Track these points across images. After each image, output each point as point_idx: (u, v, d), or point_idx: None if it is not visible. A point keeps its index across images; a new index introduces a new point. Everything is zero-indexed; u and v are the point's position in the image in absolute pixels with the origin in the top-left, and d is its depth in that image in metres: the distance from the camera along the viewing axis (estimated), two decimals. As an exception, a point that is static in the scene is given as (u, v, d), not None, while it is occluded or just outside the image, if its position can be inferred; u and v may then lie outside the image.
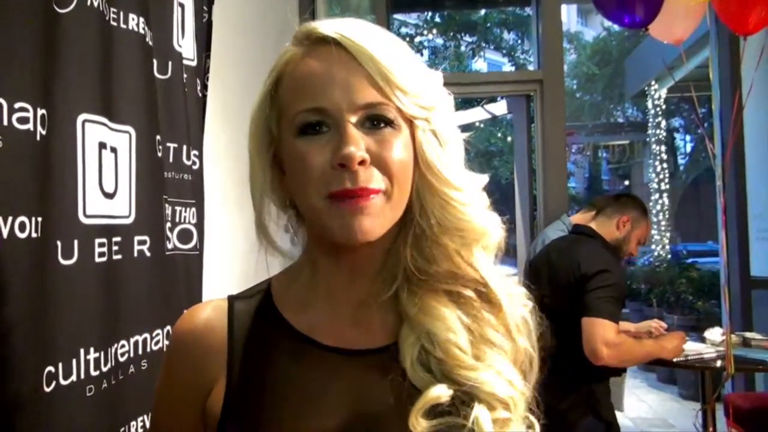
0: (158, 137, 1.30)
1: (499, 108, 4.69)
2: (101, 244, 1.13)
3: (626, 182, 15.34)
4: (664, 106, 10.56)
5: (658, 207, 10.11)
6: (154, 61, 1.31)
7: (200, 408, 0.70)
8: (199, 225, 1.52)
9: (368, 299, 0.70)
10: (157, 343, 1.29)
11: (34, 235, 0.97)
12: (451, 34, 12.72)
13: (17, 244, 0.94)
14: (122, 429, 1.18)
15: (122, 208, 1.20)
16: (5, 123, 0.93)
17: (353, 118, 0.64)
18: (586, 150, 15.40)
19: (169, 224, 1.38)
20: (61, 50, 1.03)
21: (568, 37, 15.84)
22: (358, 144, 0.63)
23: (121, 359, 1.18)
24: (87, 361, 1.08)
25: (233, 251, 1.98)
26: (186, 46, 1.48)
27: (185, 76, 1.46)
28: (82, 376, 1.06)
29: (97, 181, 1.13)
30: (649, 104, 10.55)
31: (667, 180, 10.42)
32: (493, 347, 0.68)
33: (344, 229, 0.63)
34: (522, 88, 4.12)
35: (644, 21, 2.69)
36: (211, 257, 1.66)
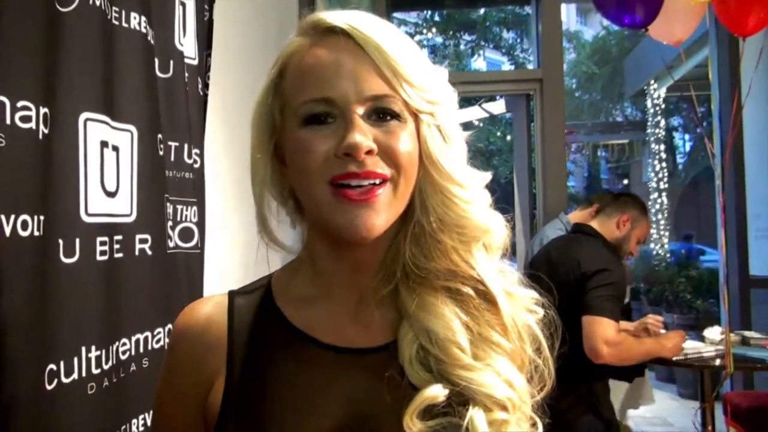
0: (160, 136, 1.30)
1: (497, 107, 4.70)
2: (103, 243, 1.13)
3: (625, 181, 15.34)
4: (663, 106, 10.56)
5: (657, 206, 10.11)
6: (156, 60, 1.31)
7: (201, 403, 0.70)
8: (200, 223, 1.52)
9: (368, 296, 0.70)
10: (158, 341, 1.30)
11: (36, 233, 0.97)
12: (451, 32, 12.72)
13: (19, 243, 0.94)
14: (123, 427, 1.18)
15: (124, 207, 1.20)
16: (8, 122, 0.93)
17: (360, 109, 0.63)
18: (585, 149, 15.41)
19: (170, 223, 1.38)
20: (63, 49, 1.03)
21: (568, 36, 15.83)
22: (366, 134, 0.63)
23: (123, 357, 1.19)
24: (88, 359, 1.08)
25: (234, 249, 1.98)
26: (187, 44, 1.48)
27: (186, 74, 1.46)
28: (84, 374, 1.06)
29: (99, 179, 1.13)
30: (648, 103, 10.55)
31: (666, 179, 10.42)
32: (492, 346, 0.68)
33: (350, 225, 0.63)
34: (522, 87, 4.13)
35: (644, 22, 2.70)
36: (212, 255, 1.67)
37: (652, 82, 10.16)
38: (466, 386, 0.65)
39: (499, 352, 0.68)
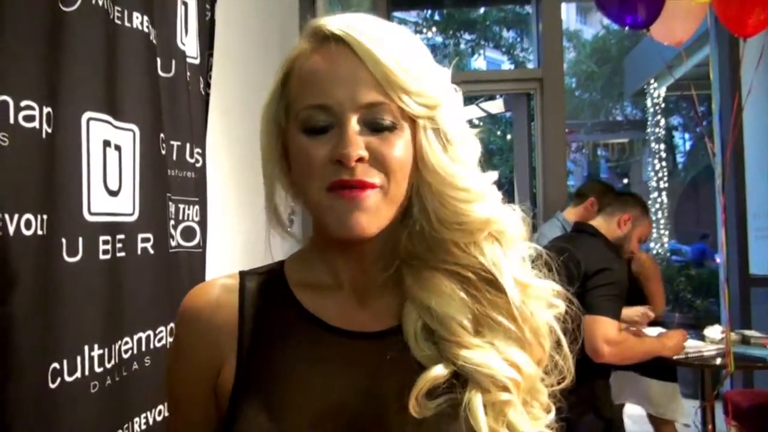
0: (162, 135, 1.31)
1: (495, 106, 4.70)
2: (105, 242, 1.13)
3: (625, 180, 15.34)
4: (663, 105, 10.56)
5: (657, 205, 10.11)
6: (158, 60, 1.32)
7: (211, 384, 0.71)
8: (202, 222, 1.52)
9: (373, 283, 0.72)
10: (160, 340, 1.30)
11: (39, 232, 0.98)
12: (451, 32, 12.71)
13: (23, 242, 0.95)
14: (126, 425, 1.18)
15: (126, 206, 1.20)
16: (11, 121, 0.93)
17: (355, 117, 0.65)
18: (585, 148, 15.41)
19: (172, 222, 1.39)
20: (66, 48, 1.04)
21: (568, 35, 15.82)
22: (357, 142, 0.64)
23: (125, 356, 1.19)
24: (91, 358, 1.08)
25: (235, 248, 1.98)
26: (189, 44, 1.48)
27: (188, 74, 1.46)
28: (87, 373, 1.07)
29: (102, 178, 1.13)
30: (648, 102, 10.55)
31: (665, 178, 10.42)
32: (495, 327, 0.68)
33: (341, 224, 0.65)
34: (522, 87, 4.13)
35: (646, 22, 2.70)
36: (214, 254, 1.67)
37: (652, 81, 10.16)
38: (465, 365, 0.66)
39: (501, 331, 0.68)
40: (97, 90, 1.11)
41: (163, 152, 1.32)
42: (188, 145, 1.46)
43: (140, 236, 1.24)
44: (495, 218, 0.69)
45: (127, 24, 1.20)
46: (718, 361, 2.69)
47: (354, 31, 0.66)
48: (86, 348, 1.07)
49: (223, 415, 0.70)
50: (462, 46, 12.93)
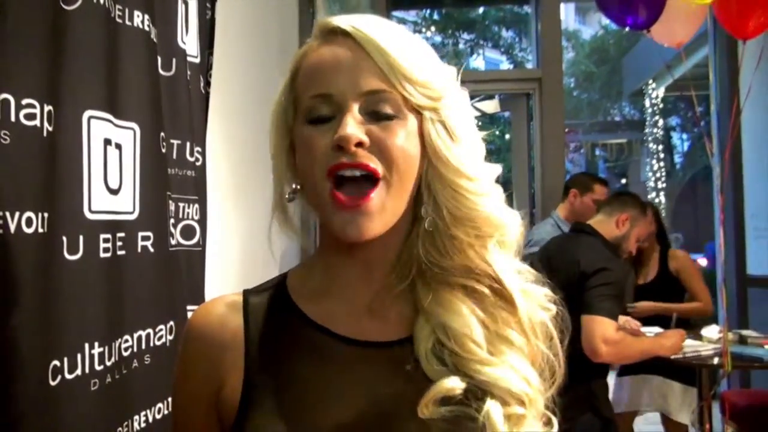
0: (162, 134, 1.31)
1: (490, 106, 4.70)
2: (106, 240, 1.13)
3: (623, 180, 15.36)
4: (661, 105, 10.58)
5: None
6: (159, 58, 1.32)
7: (214, 401, 0.71)
8: (202, 221, 1.53)
9: (383, 292, 0.71)
10: (160, 338, 1.30)
11: (40, 230, 0.98)
12: (450, 31, 12.71)
13: (24, 240, 0.95)
14: (126, 423, 1.18)
15: (126, 204, 1.20)
16: (13, 119, 0.93)
17: (356, 104, 0.65)
18: (584, 148, 15.43)
19: (172, 220, 1.39)
20: (68, 47, 1.04)
21: (566, 35, 15.82)
22: (357, 127, 0.64)
23: (125, 354, 1.19)
24: (91, 356, 1.08)
25: (235, 247, 1.99)
26: (190, 43, 1.49)
27: (189, 72, 1.46)
28: (87, 371, 1.07)
29: (102, 177, 1.14)
30: (647, 103, 10.58)
31: (663, 179, 10.44)
32: (508, 344, 0.68)
33: (344, 229, 0.65)
34: (521, 87, 4.13)
35: (646, 23, 2.70)
36: (214, 253, 1.67)
37: (651, 81, 10.18)
38: (484, 379, 0.66)
39: (514, 350, 0.69)
40: (97, 89, 1.11)
41: (164, 151, 1.32)
42: (188, 144, 1.46)
43: (140, 234, 1.24)
44: (504, 222, 0.70)
45: (127, 23, 1.20)
46: (716, 360, 2.70)
47: (360, 25, 0.67)
48: (87, 346, 1.07)
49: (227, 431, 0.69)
50: (461, 45, 12.93)
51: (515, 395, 0.66)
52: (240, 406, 0.68)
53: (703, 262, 8.39)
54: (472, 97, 0.76)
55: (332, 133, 0.65)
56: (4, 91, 0.92)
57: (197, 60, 1.52)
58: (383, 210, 0.65)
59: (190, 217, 1.48)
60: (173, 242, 1.39)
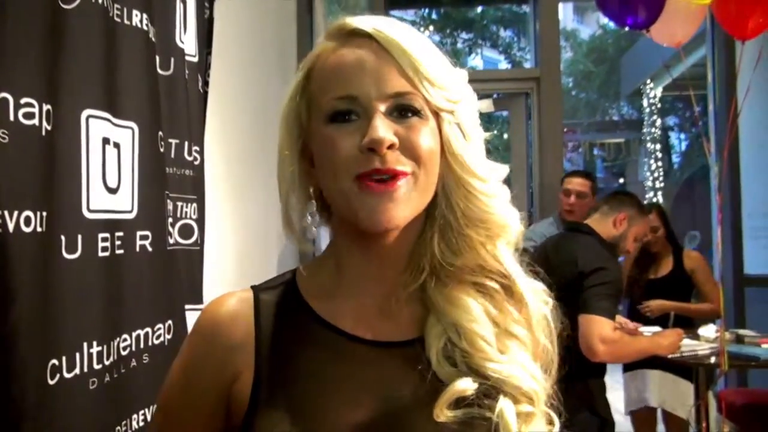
0: (160, 133, 1.31)
1: (484, 106, 4.70)
2: (104, 239, 1.13)
3: (621, 180, 15.38)
4: (659, 105, 10.59)
5: (653, 205, 10.14)
6: (157, 58, 1.32)
7: (221, 400, 0.70)
8: (200, 220, 1.53)
9: (395, 291, 0.71)
10: (158, 337, 1.30)
11: (39, 229, 0.98)
12: (448, 31, 12.71)
13: (23, 238, 0.95)
14: (124, 422, 1.19)
15: (125, 203, 1.20)
16: (11, 118, 0.93)
17: (382, 107, 0.66)
18: (582, 147, 15.44)
19: (170, 219, 1.39)
20: (66, 46, 1.04)
21: (564, 35, 15.83)
22: (387, 129, 0.65)
23: (123, 353, 1.19)
24: (90, 355, 1.08)
25: (233, 246, 1.99)
26: (188, 42, 1.49)
27: (187, 72, 1.47)
28: (86, 370, 1.07)
29: (101, 176, 1.14)
30: (645, 102, 10.59)
31: (661, 178, 10.45)
32: (516, 341, 0.69)
33: (371, 214, 0.65)
34: (519, 86, 4.13)
35: (646, 22, 2.70)
36: (212, 252, 1.68)
37: (649, 81, 10.19)
38: (495, 377, 0.66)
39: (521, 346, 0.70)
40: (96, 88, 1.11)
41: (162, 150, 1.32)
42: (186, 143, 1.46)
43: (139, 233, 1.24)
44: (510, 223, 0.71)
45: (126, 22, 1.20)
46: (713, 359, 2.70)
47: (382, 27, 0.68)
48: (85, 345, 1.07)
49: (236, 427, 0.69)
50: (459, 45, 12.93)
51: (525, 392, 0.67)
52: (250, 402, 0.68)
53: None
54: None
55: (358, 134, 0.65)
56: (2, 90, 0.92)
57: (195, 59, 1.53)
58: (409, 200, 0.66)
59: (188, 216, 1.48)
60: (171, 241, 1.40)
